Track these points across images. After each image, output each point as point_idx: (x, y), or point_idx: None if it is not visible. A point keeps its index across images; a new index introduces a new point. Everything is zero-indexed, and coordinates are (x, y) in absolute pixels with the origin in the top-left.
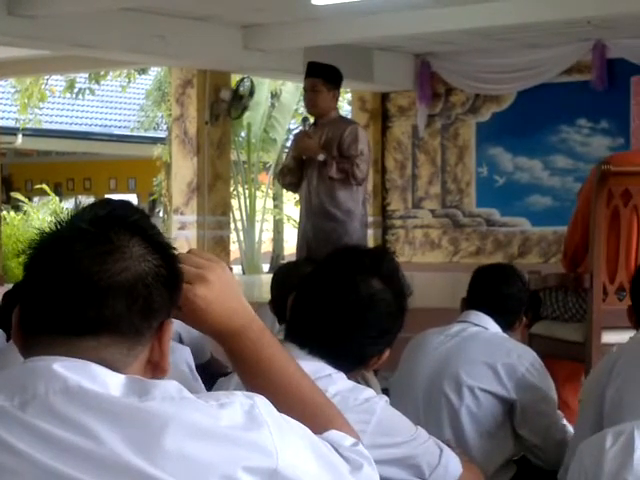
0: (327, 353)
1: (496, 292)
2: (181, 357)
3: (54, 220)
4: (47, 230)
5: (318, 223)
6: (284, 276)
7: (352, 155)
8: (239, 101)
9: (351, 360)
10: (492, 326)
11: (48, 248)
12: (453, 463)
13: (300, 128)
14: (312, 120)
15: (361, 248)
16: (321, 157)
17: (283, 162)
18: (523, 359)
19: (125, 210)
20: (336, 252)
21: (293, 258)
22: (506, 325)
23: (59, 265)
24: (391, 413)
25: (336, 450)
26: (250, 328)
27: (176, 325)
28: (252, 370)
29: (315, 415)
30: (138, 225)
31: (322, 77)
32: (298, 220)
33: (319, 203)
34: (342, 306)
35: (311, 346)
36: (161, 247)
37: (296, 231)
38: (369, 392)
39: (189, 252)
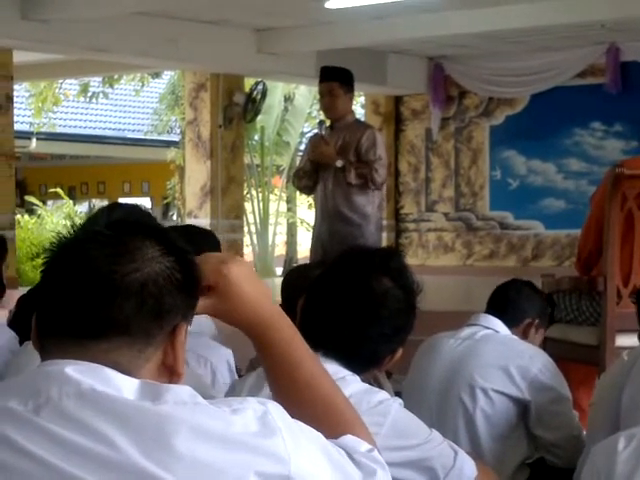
0: (341, 353)
1: (503, 294)
2: (221, 357)
3: (70, 224)
4: (63, 234)
5: (334, 226)
6: (294, 279)
7: (370, 160)
8: (252, 105)
9: (365, 360)
10: (502, 328)
11: (63, 251)
12: (468, 466)
13: (316, 131)
14: (328, 123)
15: (370, 248)
16: (339, 163)
17: (298, 165)
18: (535, 360)
19: (134, 213)
20: (345, 253)
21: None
22: (509, 323)
23: (73, 267)
24: (405, 415)
25: (350, 456)
26: (279, 321)
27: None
28: (280, 366)
29: (334, 417)
30: (154, 229)
31: (339, 80)
32: (313, 223)
33: (335, 206)
34: (355, 304)
35: (325, 347)
36: (177, 250)
37: (310, 234)
38: (383, 394)
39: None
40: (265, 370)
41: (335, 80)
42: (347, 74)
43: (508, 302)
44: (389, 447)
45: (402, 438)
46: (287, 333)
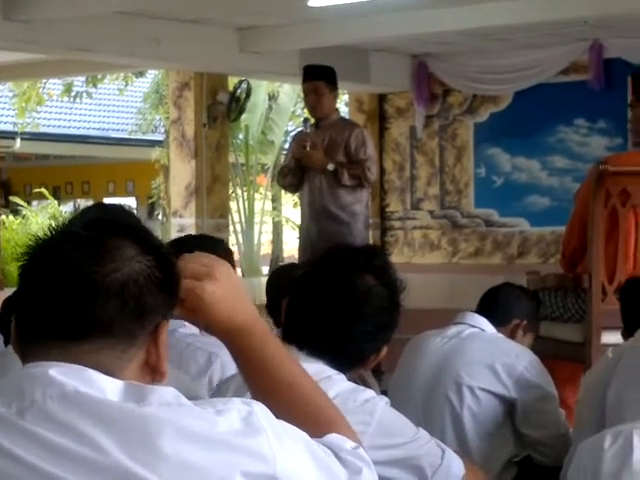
0: (326, 352)
1: (493, 295)
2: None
3: (49, 226)
4: (41, 236)
5: (322, 225)
6: (279, 279)
7: (362, 159)
8: (236, 104)
9: (350, 358)
10: (488, 327)
11: (41, 253)
12: (456, 464)
13: (300, 129)
14: (313, 122)
15: (353, 246)
16: (331, 167)
17: (283, 163)
18: (521, 358)
19: (118, 214)
20: (329, 251)
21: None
22: (496, 323)
23: (52, 269)
24: (392, 414)
25: (335, 454)
26: (255, 326)
27: None
28: (256, 369)
29: (317, 416)
30: (131, 228)
31: (324, 79)
32: (300, 222)
33: (323, 205)
34: (338, 302)
35: (310, 346)
36: (154, 249)
37: (295, 233)
38: (369, 393)
39: (194, 253)
40: (242, 375)
41: (320, 79)
42: (331, 72)
43: (497, 302)
44: (376, 446)
45: (389, 437)
46: (260, 338)
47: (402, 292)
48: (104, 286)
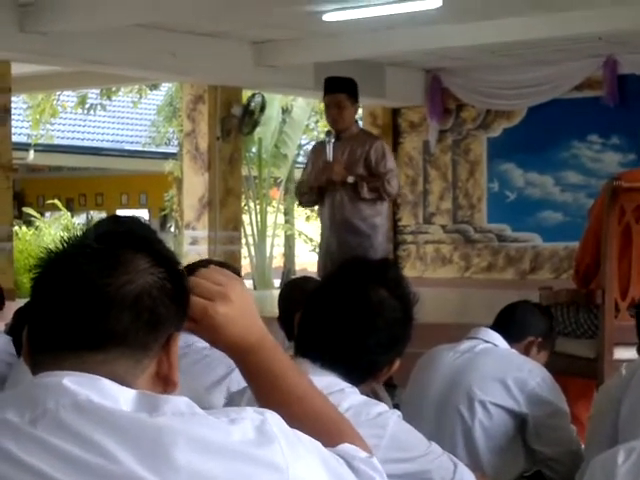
0: (339, 365)
1: (510, 312)
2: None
3: (61, 238)
4: (53, 249)
5: (343, 238)
6: (290, 292)
7: (381, 173)
8: (250, 117)
9: (363, 370)
10: (501, 342)
11: (54, 266)
12: (468, 478)
13: (322, 140)
14: (333, 135)
15: (366, 259)
16: (351, 179)
17: (300, 177)
18: (534, 374)
19: (133, 226)
20: (343, 264)
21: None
22: (511, 339)
23: (65, 281)
24: (404, 427)
25: (348, 464)
26: (263, 344)
27: None
28: (265, 385)
29: (328, 429)
30: (143, 240)
31: (346, 92)
32: (320, 236)
33: (344, 217)
34: (352, 315)
35: (323, 359)
36: (166, 261)
37: (308, 246)
38: (382, 407)
39: (209, 269)
40: (252, 390)
41: (342, 92)
42: (353, 85)
43: (513, 319)
44: (389, 459)
45: (401, 450)
46: (269, 354)
47: (415, 305)
48: (118, 298)
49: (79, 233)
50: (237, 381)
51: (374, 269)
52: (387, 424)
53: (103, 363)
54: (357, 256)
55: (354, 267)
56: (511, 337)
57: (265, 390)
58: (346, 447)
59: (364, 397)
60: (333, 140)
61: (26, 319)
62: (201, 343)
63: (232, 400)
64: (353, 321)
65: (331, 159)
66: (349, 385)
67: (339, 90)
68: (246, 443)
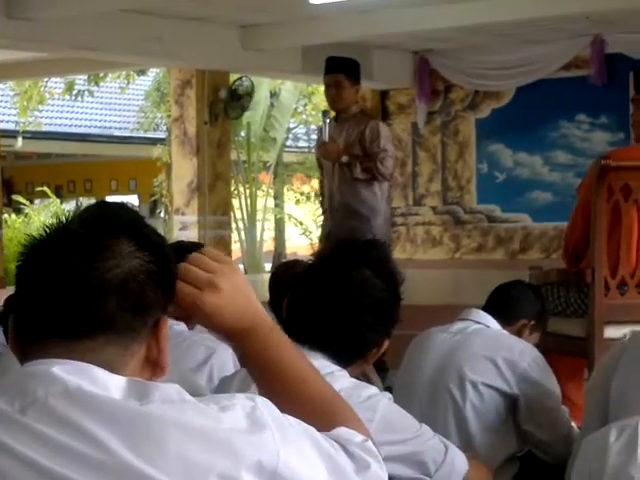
0: (326, 346)
1: (504, 293)
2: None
3: (44, 225)
4: (37, 235)
5: (342, 221)
6: (280, 276)
7: (375, 152)
8: (237, 101)
9: (351, 351)
10: (493, 324)
11: (38, 252)
12: (459, 460)
13: (322, 119)
14: (332, 114)
15: (352, 241)
16: (344, 159)
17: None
18: (525, 354)
19: (119, 211)
20: (328, 247)
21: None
22: (504, 321)
23: (49, 267)
24: (395, 410)
25: (343, 448)
26: (258, 326)
27: None
28: (261, 368)
29: (325, 410)
30: (127, 223)
31: (344, 72)
32: (322, 225)
33: (342, 201)
34: (336, 295)
35: (310, 341)
36: (152, 244)
37: (297, 230)
38: (372, 389)
39: (202, 252)
40: (249, 373)
41: (341, 72)
42: (353, 65)
43: (507, 300)
44: (380, 442)
45: (392, 433)
46: (266, 336)
47: (401, 285)
48: (104, 282)
49: (62, 220)
50: (218, 365)
51: (358, 250)
52: (377, 407)
53: (91, 350)
54: (344, 238)
55: (339, 249)
56: (504, 319)
57: (260, 373)
58: (341, 431)
59: (354, 380)
60: (329, 120)
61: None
62: (179, 326)
63: (222, 385)
64: (338, 302)
65: (327, 139)
66: (339, 368)
67: (338, 70)
68: (237, 430)
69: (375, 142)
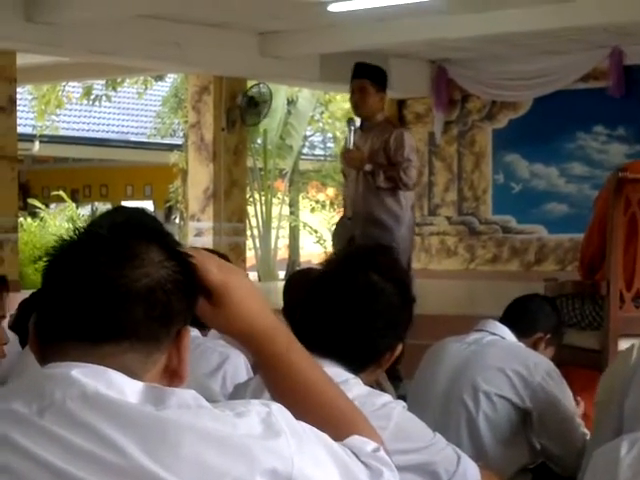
0: (339, 353)
1: (522, 305)
2: (239, 355)
3: (72, 227)
4: (65, 237)
5: (366, 230)
6: (295, 284)
7: (398, 162)
8: (254, 108)
9: (364, 357)
10: (509, 335)
11: (66, 255)
12: (471, 470)
13: (347, 127)
14: (358, 123)
15: (361, 246)
16: (368, 167)
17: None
18: (539, 368)
19: (140, 217)
20: (337, 254)
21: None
22: (519, 333)
23: (78, 271)
24: (409, 418)
25: (357, 456)
26: (276, 331)
27: None
28: (277, 374)
29: (338, 420)
30: (155, 232)
31: (369, 78)
32: (338, 223)
33: (367, 209)
34: (346, 301)
35: (323, 348)
36: (177, 254)
37: (312, 238)
38: (386, 397)
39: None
40: (264, 381)
41: (366, 77)
42: (379, 72)
43: (524, 313)
44: (393, 450)
45: (406, 441)
46: (282, 343)
47: (411, 287)
48: (132, 291)
49: (90, 223)
50: (231, 371)
51: (366, 255)
52: (392, 415)
53: (113, 355)
54: (353, 245)
55: (348, 255)
56: (520, 331)
57: (276, 379)
58: (355, 440)
59: (368, 388)
60: (354, 127)
61: (32, 310)
62: (193, 332)
63: (237, 391)
64: (348, 308)
65: (351, 146)
66: (352, 376)
67: (363, 75)
68: (252, 436)
69: (399, 151)
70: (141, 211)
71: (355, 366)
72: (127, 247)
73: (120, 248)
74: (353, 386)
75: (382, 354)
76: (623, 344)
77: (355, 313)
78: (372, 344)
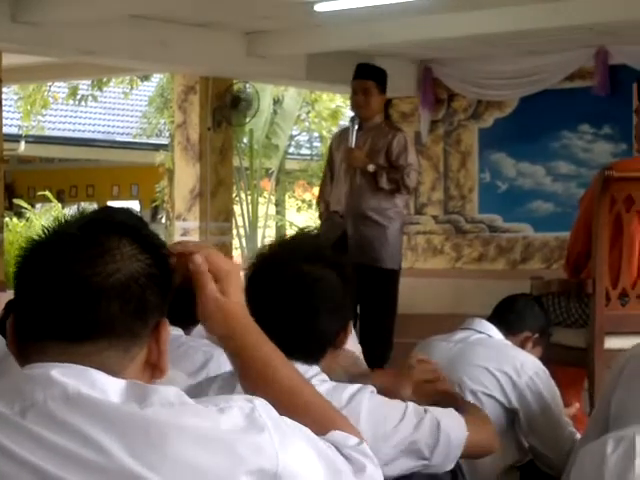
0: (291, 349)
1: (510, 304)
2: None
3: (44, 227)
4: (36, 238)
5: (359, 227)
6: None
7: (402, 166)
8: (241, 108)
9: (316, 347)
10: (495, 333)
11: (38, 255)
12: (455, 433)
13: (350, 126)
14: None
15: (284, 241)
16: (371, 168)
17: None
18: (526, 367)
19: (118, 214)
20: (262, 254)
21: None
22: (507, 331)
23: (50, 271)
24: (378, 402)
25: (339, 451)
26: (250, 329)
27: None
28: (254, 372)
29: (318, 416)
30: (126, 226)
31: (374, 79)
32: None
33: (361, 207)
34: (281, 298)
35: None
36: (151, 246)
37: None
38: (351, 388)
39: (184, 244)
40: (241, 379)
41: (371, 79)
42: (383, 74)
43: (512, 312)
44: (376, 437)
45: (382, 424)
46: (256, 340)
47: (350, 266)
48: (106, 287)
49: (60, 223)
50: (215, 370)
51: (292, 247)
52: (360, 407)
53: (91, 354)
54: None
55: (273, 252)
56: (507, 329)
57: (253, 378)
58: (336, 435)
59: (332, 383)
60: (356, 127)
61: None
62: (175, 331)
63: (200, 388)
64: (285, 305)
65: (353, 145)
66: (314, 372)
67: (368, 77)
68: (236, 432)
69: (402, 155)
70: (125, 210)
71: (312, 358)
72: (98, 243)
73: (91, 244)
74: (317, 385)
75: (334, 337)
76: (609, 342)
77: (293, 309)
78: (320, 334)
